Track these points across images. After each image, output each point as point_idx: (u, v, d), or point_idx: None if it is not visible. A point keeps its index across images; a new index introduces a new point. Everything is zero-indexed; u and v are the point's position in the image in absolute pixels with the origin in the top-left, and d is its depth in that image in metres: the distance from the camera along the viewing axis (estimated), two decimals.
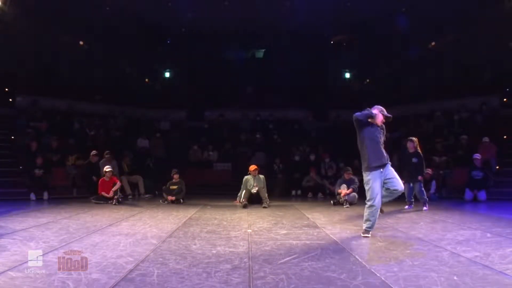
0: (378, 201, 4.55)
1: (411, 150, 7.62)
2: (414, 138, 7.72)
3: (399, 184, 4.66)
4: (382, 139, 4.70)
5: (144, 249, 3.98)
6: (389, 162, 4.71)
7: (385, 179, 4.63)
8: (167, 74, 16.68)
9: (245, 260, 3.55)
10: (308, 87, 15.56)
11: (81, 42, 14.08)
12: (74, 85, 13.95)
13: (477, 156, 9.42)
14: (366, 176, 4.63)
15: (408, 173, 7.49)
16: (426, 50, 14.42)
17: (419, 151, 7.61)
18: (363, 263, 3.42)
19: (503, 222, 5.77)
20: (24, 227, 5.22)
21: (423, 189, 7.54)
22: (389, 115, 4.76)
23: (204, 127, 15.19)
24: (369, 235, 4.63)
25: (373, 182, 4.55)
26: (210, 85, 15.78)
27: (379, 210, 4.67)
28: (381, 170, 4.59)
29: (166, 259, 3.57)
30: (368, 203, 4.60)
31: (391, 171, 4.66)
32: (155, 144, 13.15)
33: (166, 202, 8.80)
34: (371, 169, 4.58)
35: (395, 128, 13.10)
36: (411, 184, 7.54)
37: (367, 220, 4.64)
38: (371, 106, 4.79)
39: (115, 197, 8.56)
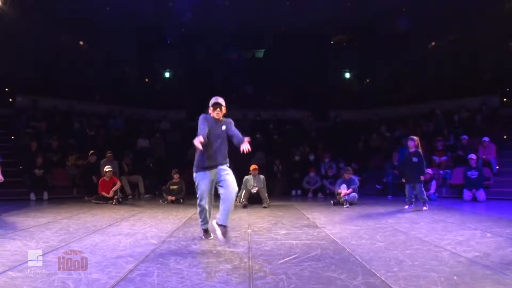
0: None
1: (412, 149, 7.49)
2: (415, 137, 7.57)
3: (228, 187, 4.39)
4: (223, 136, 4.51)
5: (144, 249, 3.98)
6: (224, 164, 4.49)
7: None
8: (167, 74, 16.66)
9: (245, 260, 3.55)
10: (308, 87, 15.55)
11: (81, 42, 14.07)
12: (74, 85, 13.95)
13: (473, 156, 9.43)
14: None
15: (409, 173, 7.43)
16: (426, 50, 14.42)
17: (420, 150, 7.49)
18: (363, 263, 3.42)
19: (503, 222, 5.76)
20: (24, 227, 5.22)
21: (423, 189, 7.47)
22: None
23: None
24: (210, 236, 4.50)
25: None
26: (210, 85, 15.77)
27: (207, 211, 4.52)
28: (207, 171, 4.50)
29: (166, 259, 3.57)
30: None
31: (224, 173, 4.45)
32: (155, 144, 13.14)
33: (166, 202, 8.79)
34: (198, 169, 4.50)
35: (395, 127, 13.16)
36: (412, 184, 7.45)
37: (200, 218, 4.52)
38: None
39: (115, 197, 8.56)
